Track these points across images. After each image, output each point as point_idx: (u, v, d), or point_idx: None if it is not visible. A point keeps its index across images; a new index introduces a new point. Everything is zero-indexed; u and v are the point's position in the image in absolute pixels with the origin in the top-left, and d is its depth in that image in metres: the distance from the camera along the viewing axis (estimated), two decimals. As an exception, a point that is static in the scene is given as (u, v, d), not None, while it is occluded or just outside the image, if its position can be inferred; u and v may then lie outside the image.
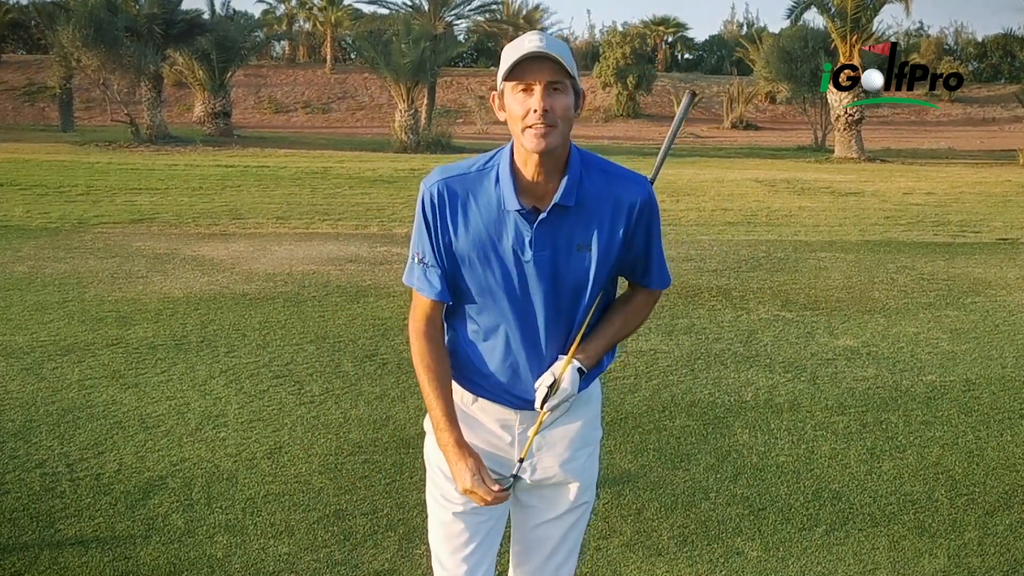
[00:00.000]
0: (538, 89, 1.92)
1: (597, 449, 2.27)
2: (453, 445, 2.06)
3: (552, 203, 2.01)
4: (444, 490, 2.19)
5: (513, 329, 2.09)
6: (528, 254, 2.02)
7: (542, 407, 2.07)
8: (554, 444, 2.18)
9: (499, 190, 2.02)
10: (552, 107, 1.92)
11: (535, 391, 2.09)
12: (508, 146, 2.05)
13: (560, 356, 2.10)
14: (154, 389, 5.19)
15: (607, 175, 2.06)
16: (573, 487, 2.21)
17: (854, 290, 8.26)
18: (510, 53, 1.94)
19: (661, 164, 2.29)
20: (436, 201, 2.04)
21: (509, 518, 2.30)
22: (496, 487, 2.03)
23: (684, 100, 2.42)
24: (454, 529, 2.18)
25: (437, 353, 2.11)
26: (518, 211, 2.00)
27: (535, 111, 1.91)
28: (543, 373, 2.10)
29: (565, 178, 2.01)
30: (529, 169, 2.00)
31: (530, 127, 1.93)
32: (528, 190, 2.02)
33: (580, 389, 2.10)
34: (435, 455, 2.21)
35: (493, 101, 2.04)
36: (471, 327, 2.13)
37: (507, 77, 1.94)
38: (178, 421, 4.71)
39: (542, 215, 2.01)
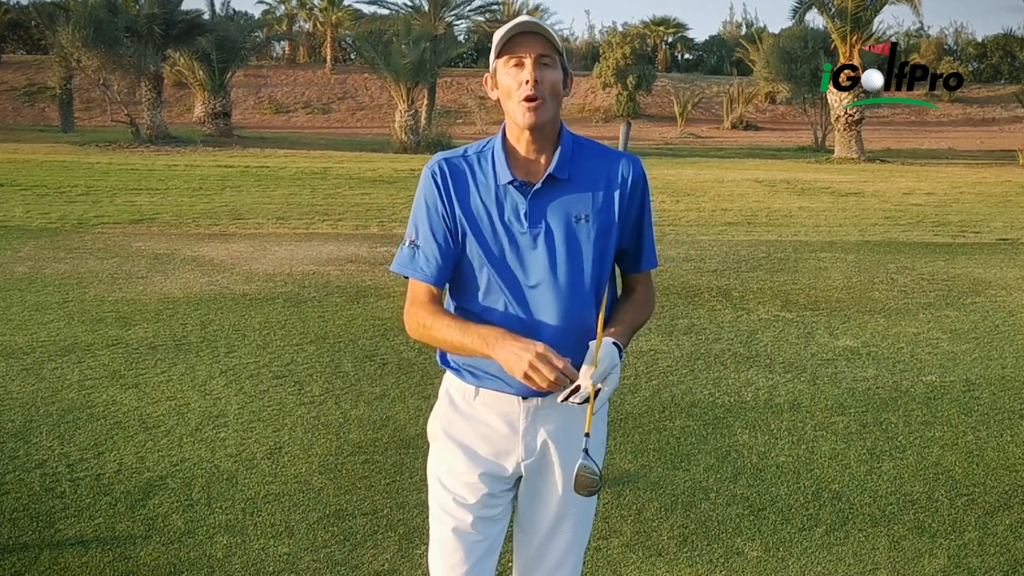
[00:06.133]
0: (528, 62, 2.02)
1: (602, 449, 2.26)
2: (490, 335, 1.97)
3: (545, 174, 2.07)
4: (443, 503, 2.18)
5: (517, 306, 2.09)
6: (524, 226, 2.07)
7: (590, 390, 1.99)
8: (555, 450, 2.16)
9: (494, 166, 2.10)
10: (542, 79, 2.02)
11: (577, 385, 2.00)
12: (502, 128, 2.13)
13: (590, 343, 2.05)
14: (154, 389, 5.19)
15: (599, 152, 2.16)
16: (577, 495, 2.20)
17: (854, 290, 8.27)
18: (501, 32, 2.04)
19: None
20: (437, 178, 2.11)
21: (509, 532, 2.29)
22: (561, 362, 1.86)
23: (622, 131, 2.48)
24: (450, 547, 2.17)
25: (433, 308, 2.09)
26: (512, 183, 2.07)
27: (526, 82, 2.01)
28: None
29: (558, 151, 2.09)
30: (522, 145, 2.09)
31: (521, 101, 2.01)
32: (522, 165, 2.10)
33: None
34: (437, 469, 2.21)
35: (486, 83, 2.12)
36: (476, 308, 2.12)
37: (499, 54, 2.05)
38: (178, 421, 4.71)
39: (536, 186, 2.07)
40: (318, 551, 3.43)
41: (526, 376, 1.90)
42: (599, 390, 1.99)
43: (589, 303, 2.10)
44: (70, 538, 3.48)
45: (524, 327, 2.08)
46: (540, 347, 1.91)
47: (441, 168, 2.11)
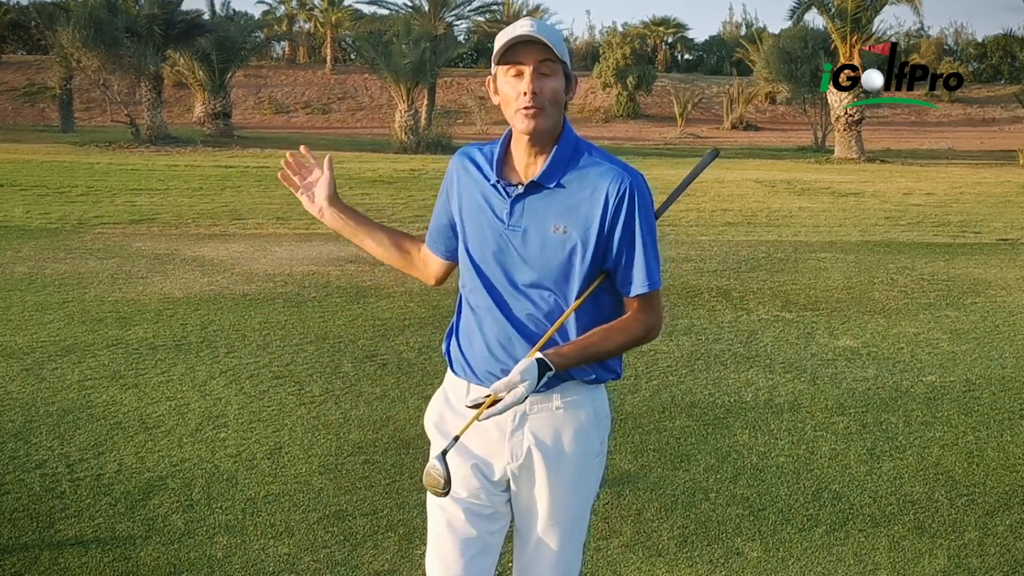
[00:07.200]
0: (527, 72, 2.00)
1: (596, 461, 2.22)
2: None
3: (528, 180, 2.08)
4: (438, 500, 2.18)
5: (494, 304, 2.11)
6: (504, 227, 2.10)
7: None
8: (540, 455, 2.15)
9: (492, 164, 2.13)
10: (541, 90, 2.01)
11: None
12: (508, 127, 2.16)
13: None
14: (154, 390, 5.19)
15: (595, 163, 2.09)
16: (571, 498, 2.19)
17: (854, 290, 8.27)
18: (502, 38, 2.02)
19: (669, 204, 2.32)
20: (454, 169, 2.21)
21: (509, 534, 2.29)
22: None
23: (707, 155, 2.45)
24: (445, 544, 2.18)
25: (400, 234, 2.38)
26: (499, 184, 2.10)
27: (525, 93, 2.00)
28: (523, 356, 2.09)
29: (549, 159, 2.07)
30: (521, 148, 2.10)
31: (520, 110, 2.01)
32: (516, 167, 2.12)
33: (542, 384, 2.01)
34: None
35: (488, 86, 2.12)
36: (472, 303, 2.17)
37: (499, 61, 2.03)
38: (178, 422, 4.71)
39: (518, 191, 2.08)
40: (318, 551, 3.43)
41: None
42: (498, 399, 1.99)
43: (555, 313, 2.09)
44: (70, 538, 3.48)
45: (498, 328, 2.11)
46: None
47: (458, 162, 2.21)
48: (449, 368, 2.24)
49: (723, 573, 3.35)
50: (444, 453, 2.03)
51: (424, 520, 2.33)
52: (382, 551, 3.44)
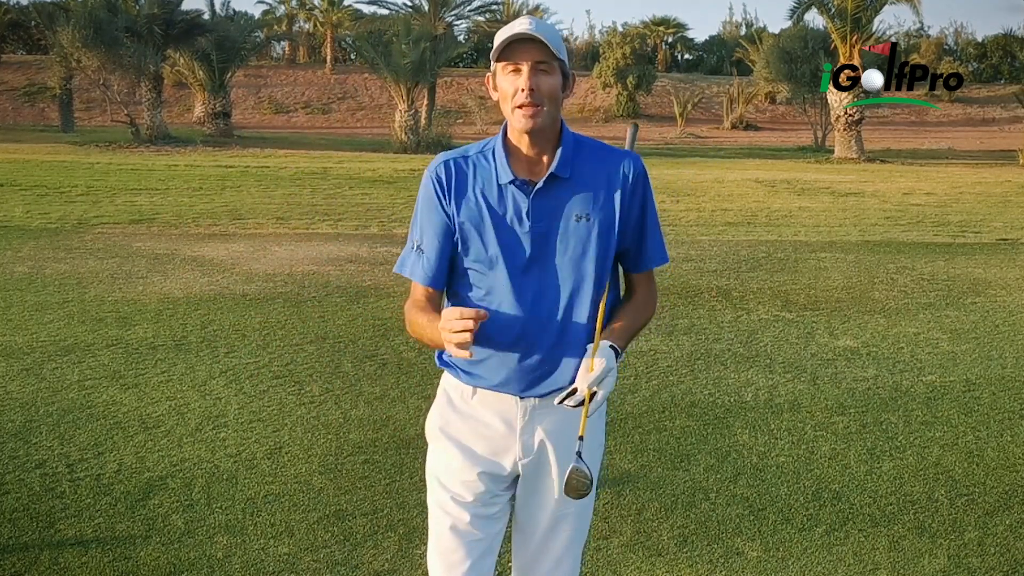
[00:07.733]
0: (525, 69, 2.02)
1: (599, 451, 2.26)
2: (435, 322, 2.03)
3: (547, 173, 2.08)
4: (441, 502, 2.19)
5: (519, 304, 2.09)
6: (526, 225, 2.08)
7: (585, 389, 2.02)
8: (552, 449, 2.16)
9: (495, 166, 2.10)
10: (539, 87, 2.02)
11: (568, 385, 2.05)
12: (503, 127, 2.13)
13: (587, 346, 2.08)
14: (154, 389, 5.19)
15: (600, 150, 2.16)
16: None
17: (854, 290, 8.27)
18: (501, 35, 2.04)
19: None
20: (440, 179, 2.12)
21: (508, 532, 2.29)
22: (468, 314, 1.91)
23: (629, 132, 2.43)
24: (448, 545, 2.18)
25: (425, 307, 2.14)
26: (513, 183, 2.08)
27: (523, 90, 2.02)
28: (550, 351, 2.10)
29: (559, 150, 2.09)
30: (523, 146, 2.10)
31: (519, 107, 2.02)
32: (523, 165, 2.11)
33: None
34: (435, 467, 2.23)
35: (487, 83, 2.13)
36: (477, 306, 2.13)
37: (497, 58, 2.05)
38: (178, 421, 4.71)
39: (538, 185, 2.08)
40: (318, 551, 3.43)
41: (454, 345, 1.92)
42: (594, 394, 2.01)
43: (589, 303, 2.11)
44: (70, 538, 3.48)
45: (523, 326, 2.10)
46: (450, 312, 1.94)
47: (444, 171, 2.12)
48: (448, 372, 2.23)
49: (723, 573, 3.35)
50: (579, 454, 2.05)
51: (424, 520, 2.33)
52: (382, 551, 3.44)
